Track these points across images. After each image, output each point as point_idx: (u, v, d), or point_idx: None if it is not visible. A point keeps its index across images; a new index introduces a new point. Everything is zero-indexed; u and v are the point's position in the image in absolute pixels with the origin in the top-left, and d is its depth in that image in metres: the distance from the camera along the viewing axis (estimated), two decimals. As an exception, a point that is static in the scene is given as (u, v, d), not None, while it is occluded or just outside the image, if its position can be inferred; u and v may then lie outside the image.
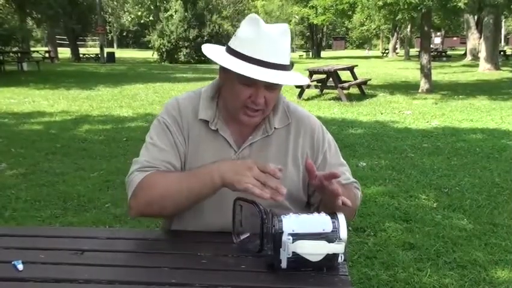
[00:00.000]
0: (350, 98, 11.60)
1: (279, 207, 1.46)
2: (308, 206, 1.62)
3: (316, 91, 12.61)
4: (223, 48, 1.46)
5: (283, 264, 1.17)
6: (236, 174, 1.29)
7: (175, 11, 30.46)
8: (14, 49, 22.61)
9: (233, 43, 1.42)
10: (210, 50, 1.47)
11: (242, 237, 1.36)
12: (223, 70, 1.44)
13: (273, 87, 1.41)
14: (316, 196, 1.57)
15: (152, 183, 1.39)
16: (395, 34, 40.21)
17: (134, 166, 1.45)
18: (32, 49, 29.66)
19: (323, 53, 43.63)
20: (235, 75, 1.37)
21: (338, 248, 1.18)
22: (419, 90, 13.10)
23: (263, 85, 1.38)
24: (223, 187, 1.34)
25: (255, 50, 1.36)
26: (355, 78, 12.97)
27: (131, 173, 1.45)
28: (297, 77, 1.46)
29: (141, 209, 1.42)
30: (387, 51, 41.73)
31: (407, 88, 14.16)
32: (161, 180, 1.39)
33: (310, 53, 42.36)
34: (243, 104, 1.42)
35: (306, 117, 1.59)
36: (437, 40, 44.71)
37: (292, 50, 53.75)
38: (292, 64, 1.45)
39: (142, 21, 48.18)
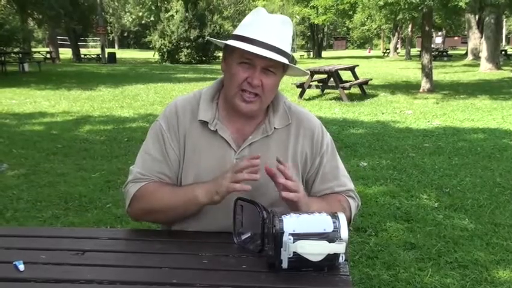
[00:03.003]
0: (351, 97, 11.59)
1: (279, 207, 1.46)
2: None
3: (317, 91, 12.60)
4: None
5: (284, 264, 1.17)
6: (217, 190, 1.38)
7: (176, 12, 30.48)
8: (15, 50, 22.64)
9: (236, 30, 1.47)
10: (214, 37, 1.53)
11: (243, 237, 1.36)
12: (224, 59, 1.49)
13: (270, 72, 1.43)
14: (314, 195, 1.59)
15: (145, 197, 1.49)
16: (396, 34, 40.18)
17: (130, 177, 1.54)
18: (33, 50, 29.73)
19: (324, 53, 43.62)
20: (234, 57, 1.42)
21: (338, 248, 1.17)
22: (420, 90, 13.09)
23: (260, 67, 1.41)
24: (207, 204, 1.43)
25: (253, 32, 1.41)
26: (356, 78, 12.97)
27: (127, 184, 1.54)
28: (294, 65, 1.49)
29: (138, 217, 1.58)
30: (388, 51, 41.70)
31: (408, 88, 14.16)
32: (153, 195, 1.49)
33: (312, 53, 42.38)
34: (240, 86, 1.44)
35: (307, 118, 1.59)
36: (438, 40, 44.68)
37: (294, 50, 53.82)
38: (294, 59, 1.46)
39: (143, 21, 48.20)
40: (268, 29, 1.42)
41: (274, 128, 1.52)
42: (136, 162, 1.56)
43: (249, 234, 1.36)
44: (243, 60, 1.42)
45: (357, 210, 1.63)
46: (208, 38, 1.53)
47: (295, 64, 1.50)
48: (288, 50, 1.44)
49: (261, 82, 1.42)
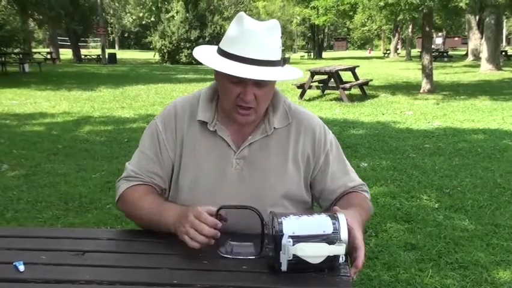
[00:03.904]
0: (352, 98, 11.60)
1: (280, 208, 1.46)
2: (312, 207, 1.62)
3: (317, 92, 12.61)
4: (215, 48, 1.46)
5: (284, 267, 1.17)
6: (178, 226, 1.33)
7: (177, 12, 30.50)
8: (16, 50, 22.67)
9: (221, 43, 1.43)
10: (200, 51, 1.47)
11: (233, 248, 1.33)
12: (215, 70, 1.44)
13: (262, 84, 1.39)
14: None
15: (129, 202, 1.53)
16: (397, 34, 40.20)
17: (124, 173, 1.58)
18: (33, 50, 29.79)
19: (325, 54, 43.60)
20: (224, 75, 1.37)
21: (338, 249, 1.17)
22: (421, 91, 13.10)
23: (251, 82, 1.37)
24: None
25: (238, 48, 1.36)
26: (356, 78, 12.97)
27: (119, 180, 1.59)
28: (286, 72, 1.42)
29: (124, 213, 1.61)
30: (388, 52, 41.72)
31: (409, 88, 14.16)
32: (135, 203, 1.51)
33: (312, 53, 42.39)
34: (234, 102, 1.42)
35: (307, 117, 1.57)
36: (438, 40, 44.79)
37: (294, 51, 53.82)
38: (284, 60, 1.41)
39: (143, 22, 48.24)
40: (255, 41, 1.36)
41: (274, 127, 1.50)
42: (132, 159, 1.59)
43: (237, 243, 1.34)
44: (232, 79, 1.37)
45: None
46: (195, 54, 1.46)
47: (287, 63, 1.46)
48: (278, 56, 1.39)
49: (254, 95, 1.40)
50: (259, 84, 1.39)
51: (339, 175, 1.57)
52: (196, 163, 1.49)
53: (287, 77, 1.41)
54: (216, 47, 1.46)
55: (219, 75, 1.42)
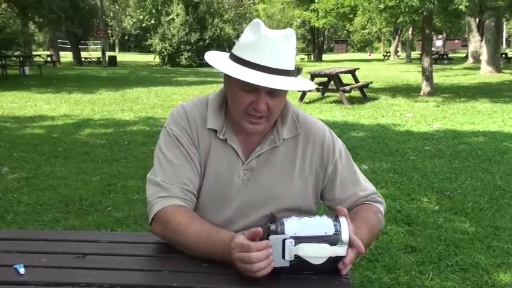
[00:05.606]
0: (352, 101, 11.60)
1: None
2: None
3: (318, 94, 12.62)
4: (227, 54, 1.43)
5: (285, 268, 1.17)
6: (241, 265, 1.20)
7: (177, 15, 30.57)
8: (16, 53, 22.71)
9: (235, 49, 1.40)
10: (212, 56, 1.44)
11: None
12: (226, 77, 1.40)
13: (276, 94, 1.36)
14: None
15: (170, 229, 1.36)
16: (397, 37, 40.24)
17: (153, 187, 1.42)
18: (34, 53, 29.81)
19: (325, 56, 43.61)
20: (236, 82, 1.34)
21: (340, 250, 1.18)
22: (421, 93, 13.11)
23: (265, 91, 1.34)
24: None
25: (254, 55, 1.33)
26: (356, 81, 12.98)
27: (152, 197, 1.40)
28: (300, 82, 1.41)
29: (158, 236, 1.43)
30: (388, 54, 41.75)
31: (409, 91, 14.17)
32: (180, 233, 1.34)
33: (312, 56, 42.40)
34: (245, 111, 1.38)
35: (315, 126, 1.54)
36: (438, 43, 44.86)
37: (296, 53, 53.76)
38: (298, 70, 1.39)
39: (143, 25, 48.35)
40: (272, 48, 1.33)
41: (283, 138, 1.47)
42: (155, 171, 1.44)
43: None
44: (245, 86, 1.34)
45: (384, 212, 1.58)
46: (207, 59, 1.41)
47: (300, 72, 1.44)
48: (293, 65, 1.36)
49: (266, 105, 1.36)
50: (272, 93, 1.35)
51: (349, 184, 1.54)
52: (208, 170, 1.46)
53: (301, 88, 1.40)
54: (228, 53, 1.43)
55: (231, 82, 1.38)
